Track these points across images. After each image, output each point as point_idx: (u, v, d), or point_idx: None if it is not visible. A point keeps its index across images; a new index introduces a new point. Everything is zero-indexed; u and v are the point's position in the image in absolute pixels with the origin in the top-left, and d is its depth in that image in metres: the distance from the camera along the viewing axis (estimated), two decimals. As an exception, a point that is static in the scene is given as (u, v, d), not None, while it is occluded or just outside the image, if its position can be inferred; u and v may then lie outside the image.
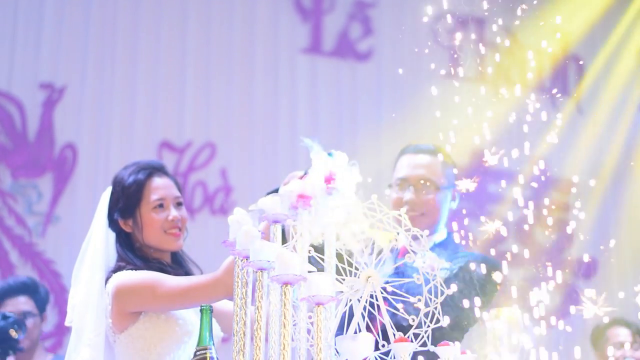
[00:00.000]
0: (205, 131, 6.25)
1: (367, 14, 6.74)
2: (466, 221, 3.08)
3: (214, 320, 2.75)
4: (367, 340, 2.25)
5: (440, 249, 3.12)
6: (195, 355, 2.47)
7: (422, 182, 3.29)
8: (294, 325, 2.22)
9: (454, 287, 2.44)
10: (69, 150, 5.99)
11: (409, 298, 2.42)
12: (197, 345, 2.47)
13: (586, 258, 6.55)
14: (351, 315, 2.41)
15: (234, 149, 6.27)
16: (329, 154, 2.49)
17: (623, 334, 5.09)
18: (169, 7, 6.32)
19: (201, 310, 2.49)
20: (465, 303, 2.70)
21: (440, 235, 3.31)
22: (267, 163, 6.26)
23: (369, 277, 2.43)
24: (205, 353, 2.45)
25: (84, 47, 6.09)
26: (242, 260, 2.30)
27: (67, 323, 3.04)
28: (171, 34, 6.29)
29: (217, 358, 2.47)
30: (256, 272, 2.19)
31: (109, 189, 3.13)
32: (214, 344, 2.49)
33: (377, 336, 2.38)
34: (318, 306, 2.11)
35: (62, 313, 5.59)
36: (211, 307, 2.51)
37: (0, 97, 5.94)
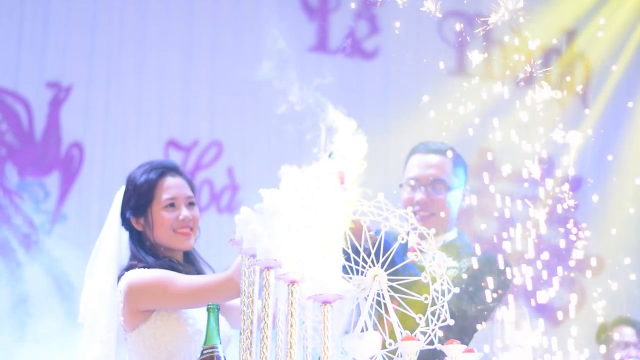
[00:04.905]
0: (211, 130, 6.25)
1: (374, 12, 6.73)
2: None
3: (222, 318, 2.76)
4: (374, 339, 2.25)
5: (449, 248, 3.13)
6: (202, 353, 2.46)
7: (432, 181, 3.28)
8: (301, 323, 2.22)
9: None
10: (76, 149, 5.99)
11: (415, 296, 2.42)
12: (205, 343, 2.47)
13: (591, 256, 6.53)
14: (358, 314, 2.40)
15: (240, 147, 6.27)
16: (329, 155, 2.49)
17: (629, 333, 5.07)
18: (175, 6, 6.32)
19: (208, 309, 2.49)
20: (474, 301, 2.70)
21: (451, 234, 3.30)
22: (273, 161, 6.24)
23: (375, 275, 2.43)
24: (213, 352, 2.45)
25: (91, 46, 6.09)
26: (248, 259, 2.30)
27: (79, 320, 3.05)
28: (178, 33, 6.28)
29: (224, 357, 2.47)
30: (263, 270, 2.18)
31: (123, 188, 3.14)
32: (220, 343, 2.49)
33: (384, 335, 2.37)
34: (325, 305, 2.11)
35: (69, 311, 5.59)
36: (218, 305, 2.51)
37: (7, 96, 5.95)
